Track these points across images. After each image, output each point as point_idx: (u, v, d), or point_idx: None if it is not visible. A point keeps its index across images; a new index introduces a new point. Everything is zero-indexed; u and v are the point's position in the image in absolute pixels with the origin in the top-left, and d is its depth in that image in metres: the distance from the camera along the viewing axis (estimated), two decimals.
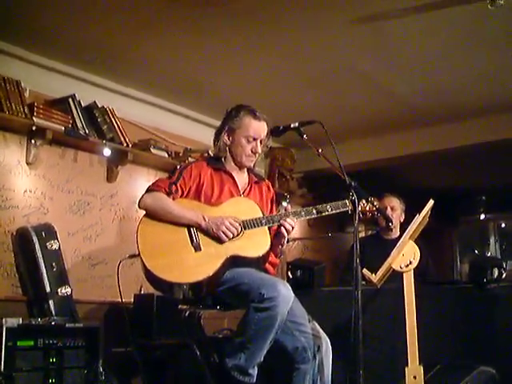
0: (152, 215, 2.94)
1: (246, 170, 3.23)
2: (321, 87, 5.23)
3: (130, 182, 5.18)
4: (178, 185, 3.01)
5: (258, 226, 2.94)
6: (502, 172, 7.23)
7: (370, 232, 7.64)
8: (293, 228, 2.98)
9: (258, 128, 3.11)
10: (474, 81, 5.06)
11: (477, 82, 5.09)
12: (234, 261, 2.88)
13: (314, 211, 3.03)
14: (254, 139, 3.10)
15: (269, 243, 2.95)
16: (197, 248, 2.87)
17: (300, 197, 6.71)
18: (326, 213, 3.03)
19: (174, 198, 2.98)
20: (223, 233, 2.86)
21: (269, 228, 2.99)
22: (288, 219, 2.96)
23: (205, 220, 2.89)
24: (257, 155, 3.15)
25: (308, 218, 3.07)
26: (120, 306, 4.12)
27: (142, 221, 2.97)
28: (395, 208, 4.76)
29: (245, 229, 2.92)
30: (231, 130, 3.12)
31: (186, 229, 2.91)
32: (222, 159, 3.19)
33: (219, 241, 2.88)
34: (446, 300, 3.75)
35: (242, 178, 3.20)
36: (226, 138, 3.14)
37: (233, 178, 3.14)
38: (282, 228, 2.96)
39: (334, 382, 2.96)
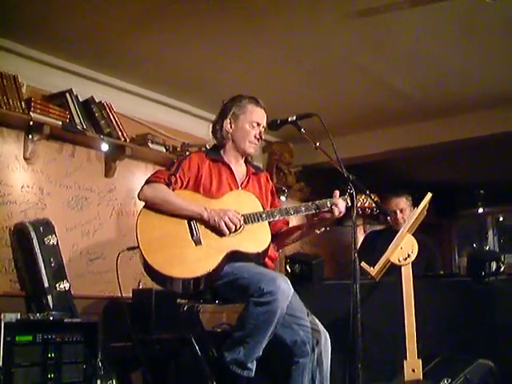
0: (152, 207, 2.92)
1: (243, 161, 3.23)
2: (319, 81, 5.22)
3: (128, 177, 5.17)
4: (178, 176, 3.00)
5: (259, 220, 2.93)
6: (500, 166, 7.24)
7: (368, 226, 7.67)
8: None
9: (261, 114, 3.15)
10: (472, 74, 5.06)
11: (475, 76, 5.09)
12: (234, 256, 2.87)
13: (314, 206, 3.03)
14: (258, 125, 3.13)
15: (269, 239, 2.94)
16: (197, 242, 2.86)
17: (298, 191, 6.71)
18: (326, 208, 3.03)
19: (173, 189, 2.96)
20: (225, 224, 2.84)
21: (269, 222, 2.99)
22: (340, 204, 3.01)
23: (207, 211, 2.88)
24: (259, 142, 3.18)
25: (307, 213, 3.07)
26: (119, 301, 4.11)
27: (142, 212, 2.94)
28: (404, 209, 4.70)
29: (246, 223, 2.92)
30: (235, 117, 3.12)
31: (186, 222, 2.89)
32: (221, 151, 3.19)
33: (220, 234, 2.87)
34: (444, 293, 3.75)
35: (240, 170, 3.19)
36: (228, 125, 3.13)
37: (230, 170, 3.14)
38: (334, 208, 3.00)
39: (333, 376, 2.97)
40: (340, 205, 3.01)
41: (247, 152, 3.17)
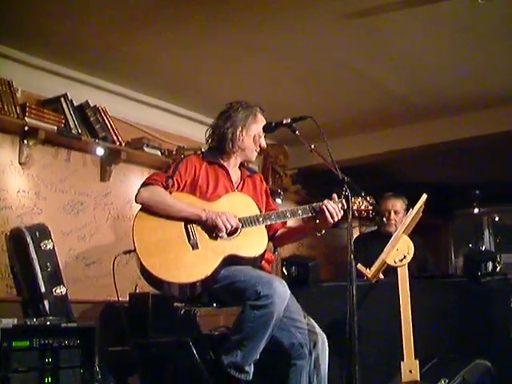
0: (149, 209, 2.92)
1: (237, 164, 3.23)
2: (313, 84, 5.22)
3: (124, 181, 5.17)
4: (175, 179, 2.99)
5: (256, 224, 2.94)
6: (495, 166, 7.24)
7: (364, 228, 7.67)
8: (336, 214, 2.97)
9: (264, 123, 3.17)
10: (466, 75, 5.06)
11: (469, 77, 5.09)
12: (231, 260, 2.87)
13: (310, 209, 3.02)
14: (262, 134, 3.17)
15: (266, 242, 2.95)
16: (194, 246, 2.86)
17: (294, 193, 6.71)
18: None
19: (170, 192, 2.96)
20: (222, 222, 2.84)
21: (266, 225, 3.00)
22: (329, 206, 2.96)
23: (205, 211, 2.88)
24: None
25: (304, 216, 3.07)
26: (115, 305, 4.11)
27: (138, 216, 2.94)
28: (398, 211, 4.70)
29: (242, 227, 2.92)
30: (248, 126, 3.13)
31: (182, 225, 2.89)
32: (218, 153, 3.18)
33: (217, 237, 2.87)
34: (441, 294, 3.76)
35: (235, 173, 3.20)
36: (240, 134, 3.12)
37: (227, 172, 3.15)
38: (327, 213, 2.95)
39: (331, 378, 2.97)
40: (329, 207, 2.98)
41: (251, 160, 3.21)
